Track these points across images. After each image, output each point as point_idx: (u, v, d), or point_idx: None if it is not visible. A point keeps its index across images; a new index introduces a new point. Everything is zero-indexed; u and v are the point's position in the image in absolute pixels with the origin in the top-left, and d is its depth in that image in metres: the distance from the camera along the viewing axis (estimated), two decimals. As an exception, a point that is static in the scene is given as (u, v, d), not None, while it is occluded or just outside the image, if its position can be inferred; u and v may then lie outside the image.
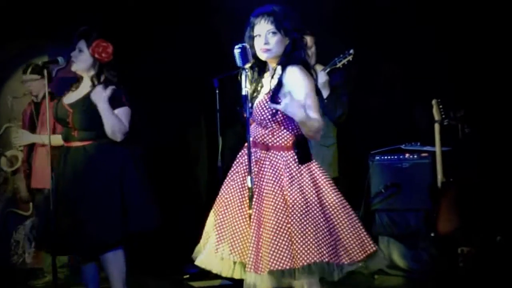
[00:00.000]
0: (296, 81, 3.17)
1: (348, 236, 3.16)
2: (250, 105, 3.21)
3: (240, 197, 3.24)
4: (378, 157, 5.48)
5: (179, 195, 6.12)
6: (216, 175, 5.09)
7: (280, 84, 3.19)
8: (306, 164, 3.20)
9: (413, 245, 5.11)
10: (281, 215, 3.09)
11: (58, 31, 5.55)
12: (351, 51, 4.78)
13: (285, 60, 3.23)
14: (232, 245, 3.19)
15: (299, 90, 3.13)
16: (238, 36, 3.35)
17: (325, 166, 3.70)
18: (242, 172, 3.27)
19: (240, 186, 3.26)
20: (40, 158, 5.07)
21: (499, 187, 4.85)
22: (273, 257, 3.03)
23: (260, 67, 3.35)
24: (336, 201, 3.18)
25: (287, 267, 3.03)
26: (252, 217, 3.12)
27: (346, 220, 3.17)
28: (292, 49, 3.23)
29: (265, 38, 3.21)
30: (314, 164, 3.24)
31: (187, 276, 5.41)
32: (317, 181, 3.20)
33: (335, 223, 3.16)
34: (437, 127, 4.95)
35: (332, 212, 3.16)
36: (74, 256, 4.20)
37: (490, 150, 5.15)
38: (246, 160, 3.17)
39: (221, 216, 3.26)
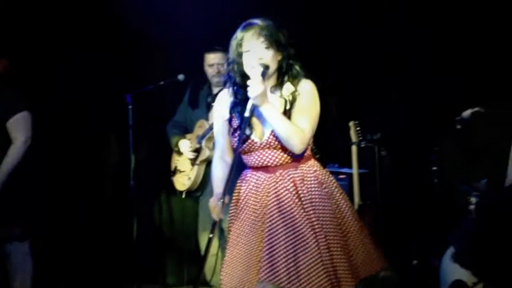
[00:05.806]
0: (309, 95, 3.03)
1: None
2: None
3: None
4: (294, 179, 5.38)
5: (86, 214, 5.79)
6: (127, 193, 4.91)
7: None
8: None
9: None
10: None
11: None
12: None
13: (290, 78, 3.03)
14: None
15: (308, 102, 3.02)
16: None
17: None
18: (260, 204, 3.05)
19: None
20: None
21: (414, 211, 4.87)
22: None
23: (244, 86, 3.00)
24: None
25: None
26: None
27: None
28: (287, 65, 3.02)
29: (258, 53, 2.95)
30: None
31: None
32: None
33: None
34: (354, 149, 4.91)
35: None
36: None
37: (404, 173, 5.17)
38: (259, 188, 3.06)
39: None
